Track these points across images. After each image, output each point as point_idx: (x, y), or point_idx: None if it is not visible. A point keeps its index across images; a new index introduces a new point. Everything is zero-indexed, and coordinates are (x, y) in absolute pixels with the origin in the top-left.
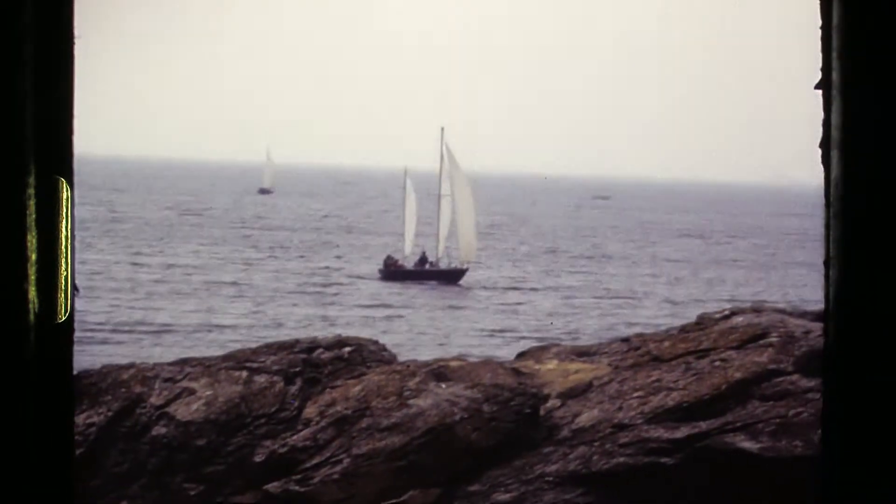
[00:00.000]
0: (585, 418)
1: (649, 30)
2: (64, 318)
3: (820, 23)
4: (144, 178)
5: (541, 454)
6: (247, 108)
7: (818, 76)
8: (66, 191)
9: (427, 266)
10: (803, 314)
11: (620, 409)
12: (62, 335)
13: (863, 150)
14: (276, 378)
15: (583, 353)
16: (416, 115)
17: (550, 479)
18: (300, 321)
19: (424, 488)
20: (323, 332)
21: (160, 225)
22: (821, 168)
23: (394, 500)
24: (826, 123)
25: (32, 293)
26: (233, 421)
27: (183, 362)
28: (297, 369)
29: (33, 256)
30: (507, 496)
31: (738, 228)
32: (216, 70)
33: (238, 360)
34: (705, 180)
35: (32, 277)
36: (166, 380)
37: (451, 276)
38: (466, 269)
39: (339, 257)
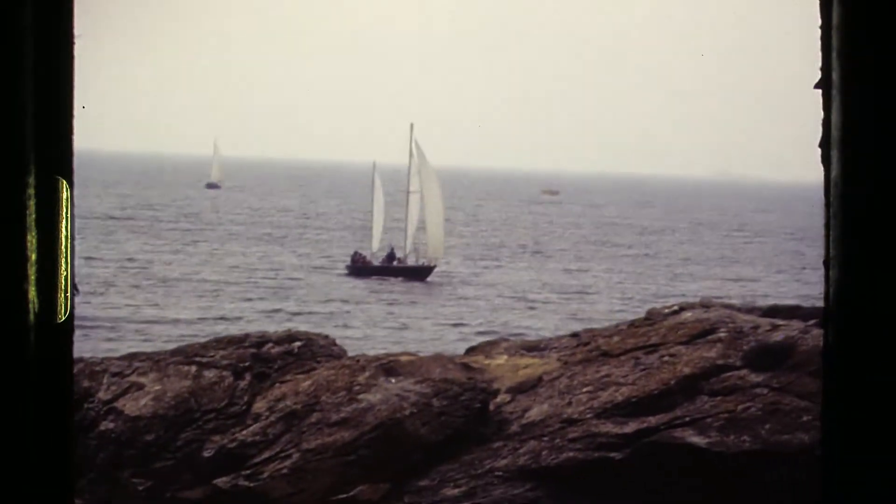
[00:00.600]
0: (535, 413)
1: (629, 25)
2: (64, 318)
3: (820, 23)
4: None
5: (490, 449)
6: (210, 99)
7: (818, 76)
8: (66, 191)
9: (395, 263)
10: (752, 309)
11: (570, 403)
12: (62, 335)
13: (863, 150)
14: (225, 373)
15: (532, 348)
16: (381, 111)
17: (500, 473)
18: (259, 315)
19: (374, 483)
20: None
21: (119, 219)
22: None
23: (343, 495)
24: (826, 123)
25: (32, 293)
26: (182, 416)
27: (131, 357)
28: (247, 364)
29: (33, 256)
30: (456, 491)
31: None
32: (179, 60)
33: (187, 354)
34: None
35: (32, 277)
36: (114, 374)
37: (419, 273)
38: (434, 266)
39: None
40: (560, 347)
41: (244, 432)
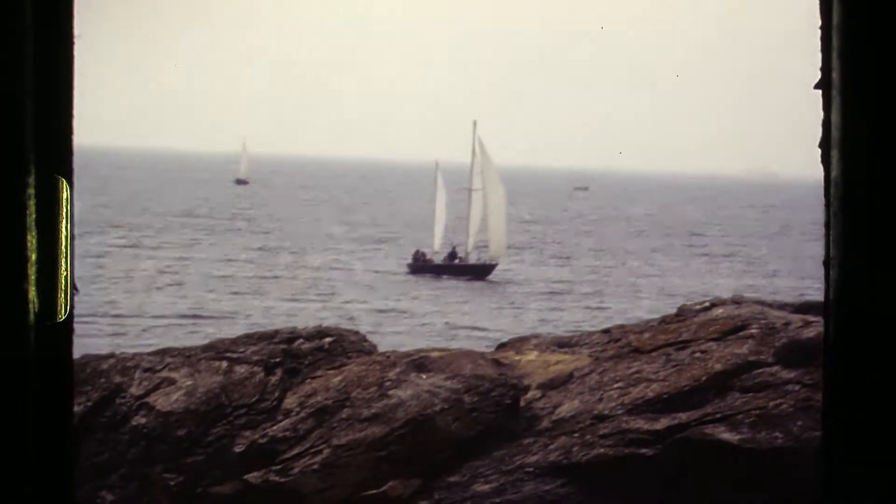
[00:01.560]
0: (566, 409)
1: (644, 24)
2: (64, 318)
3: (820, 23)
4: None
5: (521, 445)
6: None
7: (818, 76)
8: (66, 191)
9: (456, 261)
10: (783, 306)
11: (601, 400)
12: (62, 335)
13: (863, 150)
14: (256, 368)
15: (563, 344)
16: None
17: (530, 469)
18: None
19: (404, 479)
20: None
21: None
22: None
23: (373, 491)
24: (826, 123)
25: (32, 293)
26: (213, 411)
27: (163, 352)
28: (278, 360)
29: (33, 256)
30: (486, 487)
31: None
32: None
33: (218, 350)
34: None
35: (32, 277)
36: (146, 370)
37: (481, 271)
38: (496, 265)
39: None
40: (591, 343)
41: (275, 428)
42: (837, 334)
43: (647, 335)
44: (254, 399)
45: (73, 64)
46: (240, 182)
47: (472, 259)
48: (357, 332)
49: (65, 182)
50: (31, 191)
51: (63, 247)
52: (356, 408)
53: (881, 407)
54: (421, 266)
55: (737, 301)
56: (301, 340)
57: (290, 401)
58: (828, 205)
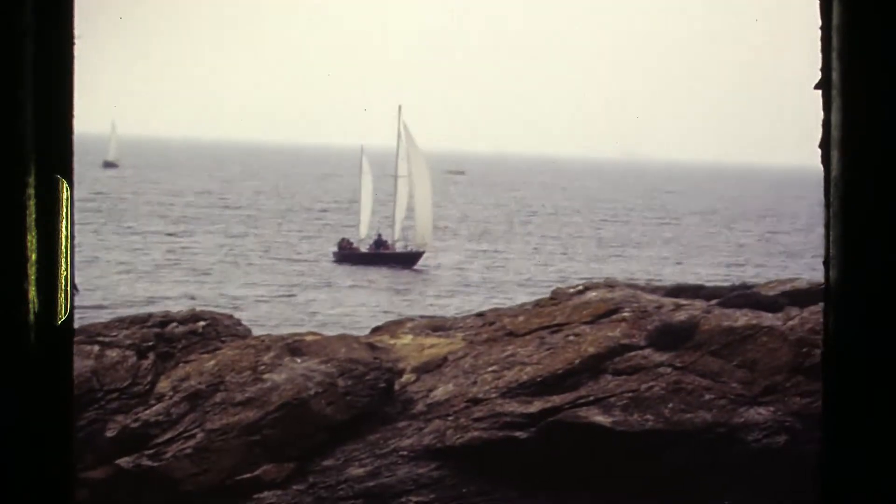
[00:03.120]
0: (440, 393)
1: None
2: (64, 318)
3: (820, 23)
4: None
5: (395, 428)
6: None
7: (818, 76)
8: (66, 191)
9: (382, 249)
10: (655, 289)
11: (475, 383)
12: (62, 335)
13: (863, 150)
14: (128, 352)
15: (438, 328)
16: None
17: (405, 453)
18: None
19: (278, 463)
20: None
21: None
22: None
23: (247, 475)
24: (826, 123)
25: (32, 293)
26: (84, 396)
27: None
28: (150, 343)
29: (33, 256)
30: (361, 470)
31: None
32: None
33: (89, 333)
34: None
35: (32, 277)
36: None
37: (408, 259)
38: (423, 252)
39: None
40: (465, 327)
41: (147, 412)
42: (837, 334)
43: (521, 318)
44: (126, 383)
45: (74, 64)
46: (108, 165)
47: (399, 247)
48: (231, 316)
49: (65, 182)
50: (31, 191)
51: (63, 247)
52: (230, 392)
53: (881, 408)
54: (347, 255)
55: (610, 284)
56: (174, 324)
57: (163, 385)
58: (828, 205)
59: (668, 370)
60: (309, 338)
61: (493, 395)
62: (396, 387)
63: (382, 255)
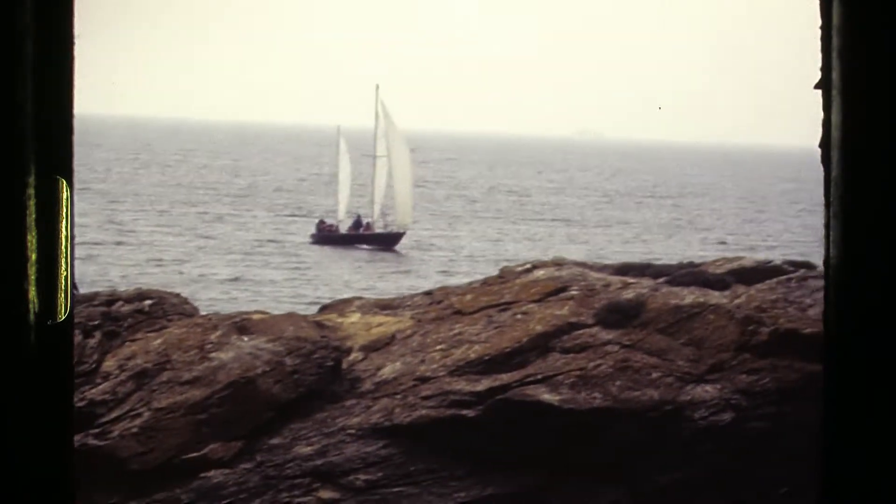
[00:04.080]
0: (388, 371)
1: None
2: (64, 318)
3: (820, 23)
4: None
5: (343, 407)
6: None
7: (818, 76)
8: (66, 191)
9: (361, 230)
10: (603, 267)
11: (423, 361)
12: (62, 335)
13: (863, 150)
14: (74, 331)
15: (386, 307)
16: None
17: (353, 431)
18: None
19: (225, 441)
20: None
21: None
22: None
23: (194, 454)
24: (826, 123)
25: (32, 293)
26: None
27: None
28: (97, 322)
29: (33, 256)
30: (308, 449)
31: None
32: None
33: None
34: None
35: (32, 277)
36: None
37: (388, 240)
38: (403, 233)
39: None
40: (413, 305)
41: (93, 391)
42: (837, 335)
43: (469, 297)
44: None
45: (74, 64)
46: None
47: (379, 228)
48: (178, 295)
49: (65, 182)
50: (31, 191)
51: (63, 247)
52: (176, 370)
53: (881, 407)
54: (326, 236)
55: (558, 263)
56: (120, 303)
57: (109, 364)
58: (828, 205)
59: (616, 348)
60: (256, 316)
61: (441, 374)
62: (344, 365)
63: (362, 236)
